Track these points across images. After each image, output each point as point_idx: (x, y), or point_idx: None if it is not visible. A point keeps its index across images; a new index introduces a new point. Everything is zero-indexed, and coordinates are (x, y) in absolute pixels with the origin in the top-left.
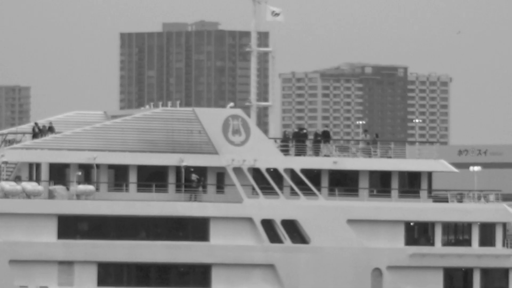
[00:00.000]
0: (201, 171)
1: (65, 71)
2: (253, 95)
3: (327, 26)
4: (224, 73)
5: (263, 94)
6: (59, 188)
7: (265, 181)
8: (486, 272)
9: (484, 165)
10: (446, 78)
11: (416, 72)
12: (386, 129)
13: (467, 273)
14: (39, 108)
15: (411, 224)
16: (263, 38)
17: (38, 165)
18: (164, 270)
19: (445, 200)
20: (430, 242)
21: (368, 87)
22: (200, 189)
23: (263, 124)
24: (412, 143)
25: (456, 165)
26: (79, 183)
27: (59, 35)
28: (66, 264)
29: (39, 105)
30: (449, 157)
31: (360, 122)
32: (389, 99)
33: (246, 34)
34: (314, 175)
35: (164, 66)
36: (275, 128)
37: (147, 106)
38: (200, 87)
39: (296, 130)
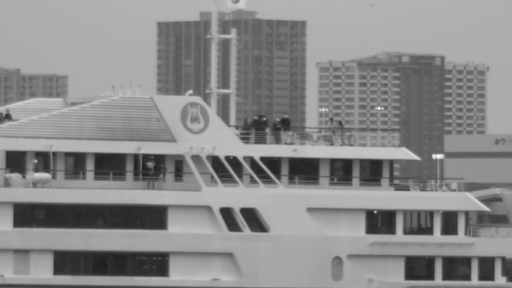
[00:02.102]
0: (160, 159)
1: (103, 60)
2: (213, 82)
3: (364, 15)
4: (261, 62)
5: (300, 84)
6: (15, 176)
7: (224, 169)
8: (448, 261)
9: None
10: (483, 67)
11: (453, 61)
12: (423, 118)
13: (429, 261)
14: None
15: (372, 212)
16: (300, 27)
17: None
18: (121, 259)
19: (407, 188)
20: (391, 230)
21: (405, 76)
22: (161, 176)
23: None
24: (374, 130)
25: (493, 154)
26: (35, 171)
27: (96, 24)
28: (22, 253)
29: (77, 94)
30: (486, 147)
31: (323, 110)
32: (426, 88)
33: (284, 23)
34: (273, 163)
35: (201, 55)
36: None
37: (108, 93)
38: (237, 76)
39: (256, 117)
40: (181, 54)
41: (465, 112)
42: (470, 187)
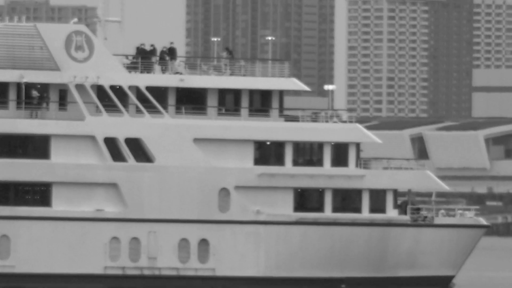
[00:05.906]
0: (43, 88)
1: None
2: (100, 10)
3: None
4: None
5: (329, 16)
6: None
7: (109, 98)
8: (338, 193)
9: None
10: None
11: None
12: (451, 52)
13: (318, 193)
14: None
15: (261, 143)
16: None
17: None
18: (3, 189)
19: (296, 119)
20: (280, 162)
21: (434, 10)
22: (44, 105)
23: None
24: (265, 61)
25: None
26: None
27: None
28: None
29: None
30: None
31: (216, 39)
32: (454, 22)
33: None
34: (160, 93)
35: None
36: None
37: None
38: (266, 8)
39: (142, 46)
40: None
41: (493, 46)
42: (498, 121)
